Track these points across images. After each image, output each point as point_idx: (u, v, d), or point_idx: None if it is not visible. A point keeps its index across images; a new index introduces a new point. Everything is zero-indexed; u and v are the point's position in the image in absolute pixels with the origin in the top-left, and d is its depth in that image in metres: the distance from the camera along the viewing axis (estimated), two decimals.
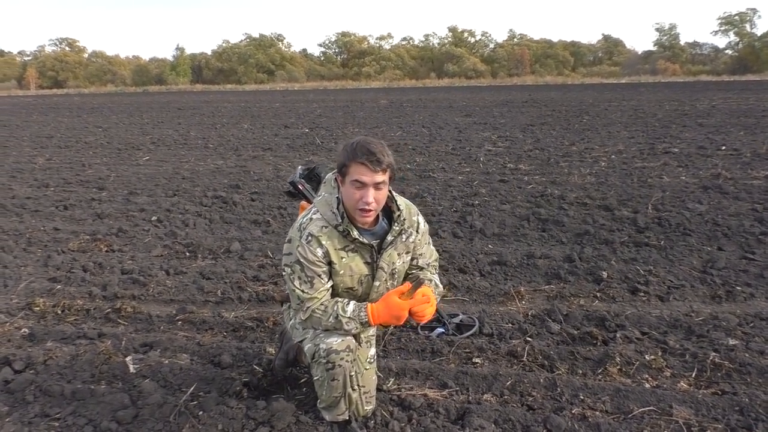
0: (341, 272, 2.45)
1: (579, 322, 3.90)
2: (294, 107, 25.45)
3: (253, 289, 4.55)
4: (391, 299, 2.37)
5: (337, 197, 2.42)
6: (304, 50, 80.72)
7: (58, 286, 4.64)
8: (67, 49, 77.26)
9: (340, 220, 2.38)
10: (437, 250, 5.28)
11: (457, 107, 23.23)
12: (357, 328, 2.40)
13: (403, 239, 2.54)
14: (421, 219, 2.66)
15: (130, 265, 5.15)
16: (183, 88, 59.92)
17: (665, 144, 11.72)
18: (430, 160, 10.69)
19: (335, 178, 2.46)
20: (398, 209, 2.52)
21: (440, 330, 3.77)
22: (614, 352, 3.38)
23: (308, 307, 2.41)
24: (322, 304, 2.41)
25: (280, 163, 10.73)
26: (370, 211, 2.33)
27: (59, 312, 4.14)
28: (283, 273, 2.48)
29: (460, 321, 3.88)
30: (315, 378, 2.46)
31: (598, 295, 4.37)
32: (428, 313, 2.37)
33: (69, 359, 3.39)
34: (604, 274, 4.70)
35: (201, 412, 2.84)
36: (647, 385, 3.11)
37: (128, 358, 3.35)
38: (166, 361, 3.35)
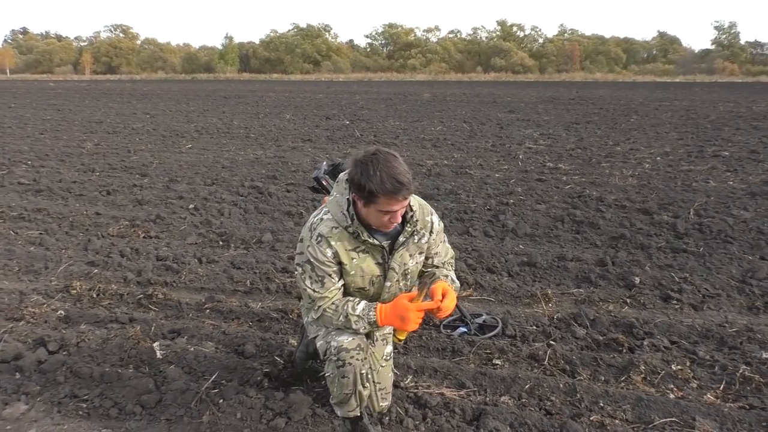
0: (352, 273, 2.45)
1: (606, 328, 3.83)
2: (337, 98, 25.59)
3: (281, 280, 4.61)
4: (399, 301, 2.37)
5: (348, 198, 2.39)
6: (351, 41, 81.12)
7: (96, 270, 4.79)
8: (121, 35, 79.52)
9: (350, 222, 2.37)
10: (466, 249, 5.30)
11: (500, 103, 22.96)
12: (366, 327, 2.41)
13: (416, 240, 2.52)
14: (436, 218, 2.63)
15: (165, 251, 5.29)
16: (230, 76, 60.91)
17: (715, 147, 11.35)
18: (468, 156, 10.61)
19: (346, 180, 2.37)
20: (411, 210, 2.49)
21: (463, 329, 3.75)
22: (639, 360, 3.31)
23: (319, 306, 2.43)
24: (333, 303, 2.42)
25: (318, 154, 10.82)
26: (395, 224, 2.36)
27: (94, 296, 4.29)
28: (295, 272, 2.51)
29: (483, 321, 3.85)
30: (327, 375, 2.49)
31: (629, 301, 4.28)
32: (448, 307, 2.37)
33: (100, 342, 3.52)
34: (637, 280, 4.59)
35: (221, 400, 2.91)
36: (671, 396, 3.04)
37: (156, 344, 3.45)
38: (192, 348, 3.44)
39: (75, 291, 4.33)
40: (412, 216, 2.48)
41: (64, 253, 5.25)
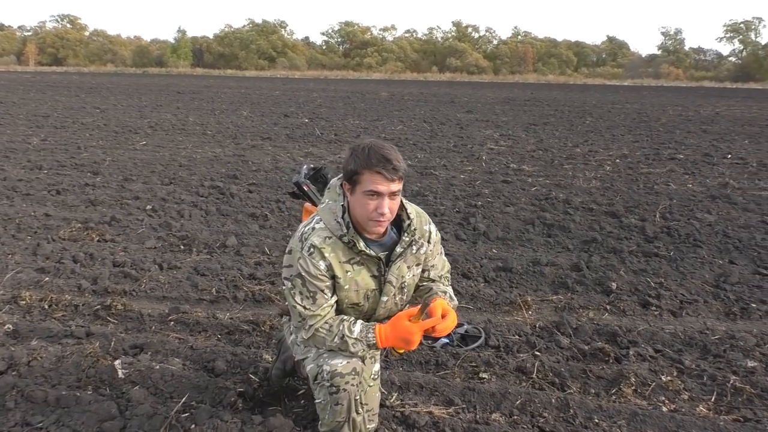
0: (346, 287, 2.25)
1: (589, 337, 3.74)
2: (294, 96, 25.19)
3: (249, 288, 4.36)
4: (400, 322, 2.19)
5: (342, 205, 2.22)
6: (307, 38, 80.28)
7: (46, 278, 4.44)
8: (68, 26, 76.45)
9: (346, 230, 2.19)
10: None
11: (458, 103, 23.03)
12: (364, 350, 2.22)
13: (414, 251, 2.35)
14: (433, 228, 2.47)
15: (122, 257, 4.96)
16: (183, 71, 59.35)
17: (670, 150, 11.59)
18: (431, 156, 10.50)
19: (341, 185, 2.26)
20: (408, 218, 2.32)
21: (445, 341, 3.59)
22: (629, 371, 3.22)
23: (311, 326, 2.22)
24: (326, 323, 2.22)
25: (279, 153, 10.53)
26: (384, 221, 2.15)
27: (46, 307, 3.95)
28: (283, 287, 2.29)
29: (466, 331, 3.71)
30: (317, 401, 2.28)
31: (608, 307, 4.21)
32: (447, 327, 2.21)
33: (54, 360, 3.21)
34: (614, 285, 4.54)
35: (193, 426, 2.66)
36: (665, 409, 2.95)
37: (117, 362, 3.16)
38: (157, 366, 3.17)
39: (24, 302, 3.98)
40: (409, 225, 2.30)
41: (10, 259, 4.86)
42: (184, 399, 2.86)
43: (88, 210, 6.45)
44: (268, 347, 3.48)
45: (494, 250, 5.42)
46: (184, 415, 2.74)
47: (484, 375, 3.25)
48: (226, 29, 74.74)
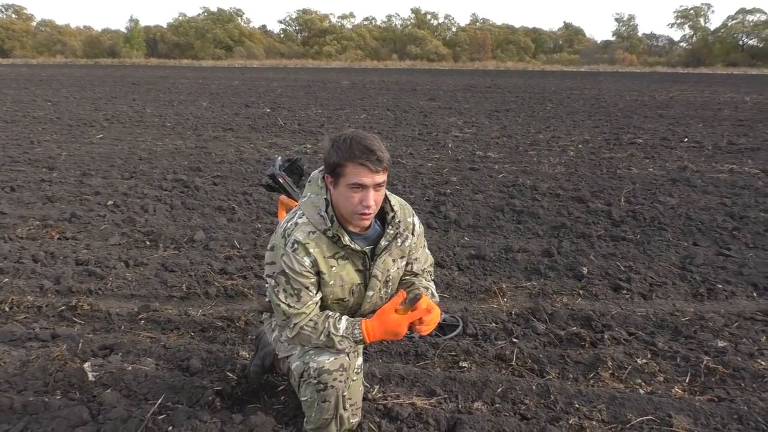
0: (331, 282, 2.19)
1: (564, 322, 3.77)
2: (254, 85, 24.79)
3: (220, 283, 4.27)
4: (387, 315, 2.14)
5: (325, 198, 2.16)
6: (264, 26, 79.40)
7: (6, 279, 4.25)
8: (13, 16, 73.45)
9: (330, 225, 2.13)
10: None
11: (420, 90, 23.01)
12: (351, 347, 2.17)
13: (398, 243, 2.30)
14: (417, 220, 2.43)
15: (85, 254, 4.79)
16: (137, 61, 57.74)
17: (629, 134, 11.79)
18: (397, 145, 10.47)
19: (323, 177, 2.19)
20: (392, 210, 2.27)
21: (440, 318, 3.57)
22: (605, 355, 3.26)
23: (295, 324, 2.15)
24: (311, 320, 2.16)
25: (243, 144, 10.34)
26: (370, 214, 2.10)
27: (7, 309, 3.78)
28: (266, 285, 2.23)
29: (443, 320, 3.70)
30: (303, 398, 2.22)
31: (581, 292, 4.26)
32: (433, 323, 2.17)
33: (19, 365, 3.07)
34: (585, 270, 4.59)
35: (170, 428, 2.58)
36: (642, 392, 3.00)
37: (86, 364, 3.04)
38: (129, 367, 3.06)
39: None
40: (393, 217, 2.25)
41: None
42: (160, 400, 2.77)
43: (45, 207, 6.21)
44: (244, 344, 3.40)
45: (466, 238, 5.43)
46: (160, 417, 2.65)
47: (464, 364, 3.24)
48: (181, 18, 73.20)
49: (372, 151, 2.00)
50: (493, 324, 3.73)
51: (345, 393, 2.20)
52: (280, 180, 2.84)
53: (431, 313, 2.17)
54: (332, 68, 48.39)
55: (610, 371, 3.16)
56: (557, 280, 4.47)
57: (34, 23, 74.04)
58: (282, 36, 76.25)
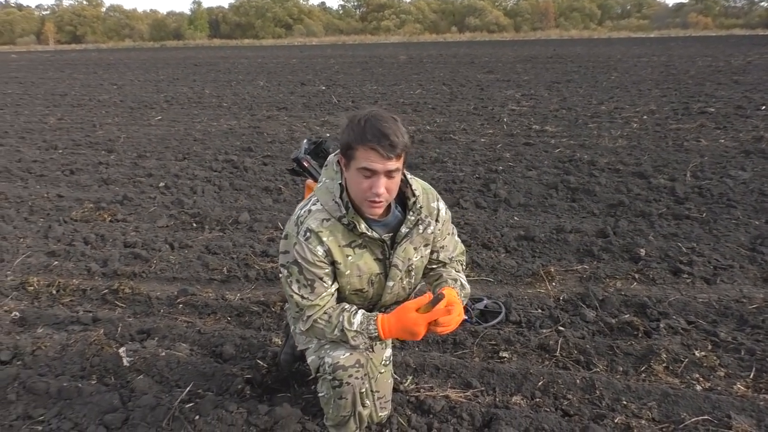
0: (347, 273, 2.06)
1: (617, 309, 3.53)
2: (311, 63, 24.82)
3: (260, 266, 4.23)
4: (405, 313, 1.98)
5: (340, 183, 2.02)
6: (323, 3, 79.60)
7: (56, 262, 4.36)
8: (84, 2, 76.29)
9: (345, 212, 1.99)
10: (458, 223, 4.95)
11: (478, 63, 22.44)
12: (366, 343, 2.04)
13: (420, 231, 2.13)
14: (442, 205, 2.24)
15: (133, 237, 4.86)
16: (200, 43, 59.04)
17: (700, 103, 11.07)
18: (450, 120, 10.20)
19: (338, 161, 2.04)
20: (414, 195, 2.10)
21: (463, 317, 3.41)
22: (659, 346, 3.02)
23: (309, 317, 2.04)
24: (325, 313, 2.04)
25: (295, 123, 10.32)
26: (380, 202, 1.94)
27: (54, 292, 3.87)
28: (280, 275, 2.12)
29: (485, 307, 3.53)
30: (320, 394, 2.13)
31: (637, 276, 3.98)
32: (454, 323, 2.00)
33: (59, 349, 3.12)
34: (642, 252, 4.30)
35: (197, 417, 2.55)
36: (699, 388, 2.76)
37: (122, 350, 3.06)
38: (163, 353, 3.06)
39: (32, 288, 3.91)
40: (414, 202, 2.08)
41: (21, 243, 4.80)
42: (189, 388, 2.75)
43: (101, 189, 6.36)
44: (278, 329, 3.35)
45: (516, 218, 5.20)
46: (188, 405, 2.63)
47: (505, 354, 3.08)
48: None
49: (385, 135, 1.84)
50: (539, 311, 3.54)
51: (363, 390, 2.08)
52: (305, 164, 2.73)
53: (450, 314, 1.99)
54: (390, 43, 47.93)
55: (664, 364, 2.92)
56: (611, 263, 4.20)
57: (103, 9, 76.71)
58: (341, 12, 76.08)
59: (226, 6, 75.06)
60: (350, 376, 2.02)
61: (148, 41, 63.94)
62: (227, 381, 2.82)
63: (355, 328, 2.00)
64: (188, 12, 73.87)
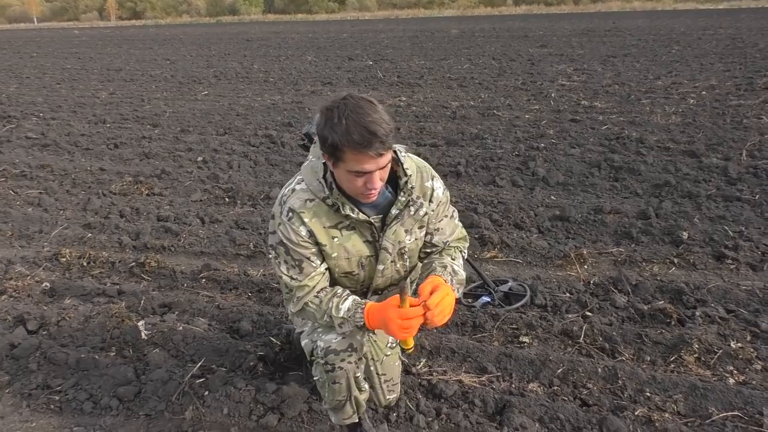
0: (334, 255, 1.96)
1: (650, 295, 3.35)
2: (361, 38, 24.63)
3: None
4: (388, 307, 1.83)
5: (324, 163, 1.89)
6: None
7: (90, 234, 4.46)
8: None
9: (328, 192, 1.89)
10: (492, 202, 4.80)
11: (532, 37, 21.77)
12: (352, 331, 1.94)
13: (411, 212, 2.00)
14: (438, 184, 2.08)
15: (166, 211, 4.93)
16: (255, 18, 59.55)
17: (766, 78, 10.41)
18: (496, 96, 9.93)
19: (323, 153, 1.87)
20: (405, 175, 1.95)
21: (485, 299, 3.32)
22: (692, 336, 2.84)
23: (299, 298, 1.96)
24: (316, 296, 1.96)
25: None
26: (376, 191, 1.83)
27: (84, 264, 3.96)
28: (269, 255, 2.06)
29: (509, 289, 3.41)
30: (315, 378, 2.07)
31: (676, 261, 3.77)
32: (442, 314, 1.83)
33: (82, 320, 3.19)
34: (685, 235, 4.07)
35: (206, 393, 2.56)
36: (731, 381, 2.59)
37: (141, 323, 3.10)
38: (180, 327, 3.08)
39: (64, 259, 4.00)
40: (406, 182, 1.94)
41: (61, 215, 4.93)
42: (201, 362, 2.76)
43: (141, 163, 6.48)
44: None
45: (552, 197, 5.01)
46: (198, 381, 2.64)
47: (525, 339, 2.96)
48: None
49: (373, 133, 1.67)
50: (567, 294, 3.39)
51: (358, 374, 2.02)
52: (315, 139, 2.66)
53: (435, 300, 1.82)
54: (443, 17, 47.12)
55: (696, 355, 2.75)
56: (650, 246, 3.99)
57: None
58: None
59: None
60: (342, 360, 1.95)
61: (204, 17, 64.88)
62: (240, 357, 2.82)
63: (341, 315, 1.90)
64: None
